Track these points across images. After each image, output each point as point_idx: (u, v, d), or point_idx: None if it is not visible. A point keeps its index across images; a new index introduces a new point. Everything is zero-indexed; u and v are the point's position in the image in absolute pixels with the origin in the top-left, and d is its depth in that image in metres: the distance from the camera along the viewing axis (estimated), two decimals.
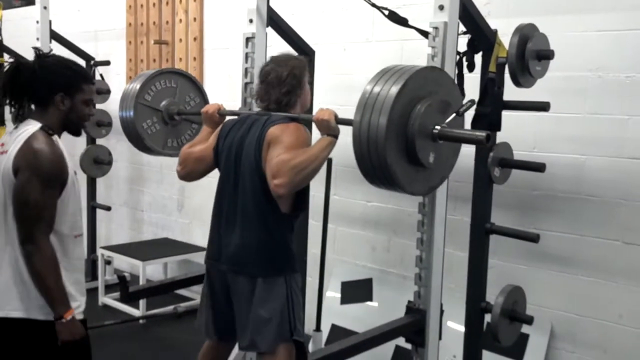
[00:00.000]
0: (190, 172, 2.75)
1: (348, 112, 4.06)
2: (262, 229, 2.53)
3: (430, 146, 2.02)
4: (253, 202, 2.53)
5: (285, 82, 2.57)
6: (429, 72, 2.09)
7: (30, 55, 2.35)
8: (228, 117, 2.84)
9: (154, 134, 3.15)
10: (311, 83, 3.46)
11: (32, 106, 2.32)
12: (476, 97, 2.70)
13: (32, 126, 2.22)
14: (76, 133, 2.39)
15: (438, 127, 2.02)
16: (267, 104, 2.62)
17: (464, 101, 2.13)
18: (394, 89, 1.92)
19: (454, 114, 2.07)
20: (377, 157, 1.94)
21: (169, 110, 3.19)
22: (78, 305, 2.27)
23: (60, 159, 2.19)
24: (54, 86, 2.24)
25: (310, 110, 3.49)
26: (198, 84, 3.33)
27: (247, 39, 3.21)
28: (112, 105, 5.06)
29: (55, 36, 4.53)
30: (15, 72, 2.25)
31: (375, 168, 1.98)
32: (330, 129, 2.41)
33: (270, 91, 2.59)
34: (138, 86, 3.12)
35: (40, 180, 2.13)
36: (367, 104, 1.96)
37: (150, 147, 3.15)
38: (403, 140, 1.96)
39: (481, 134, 1.98)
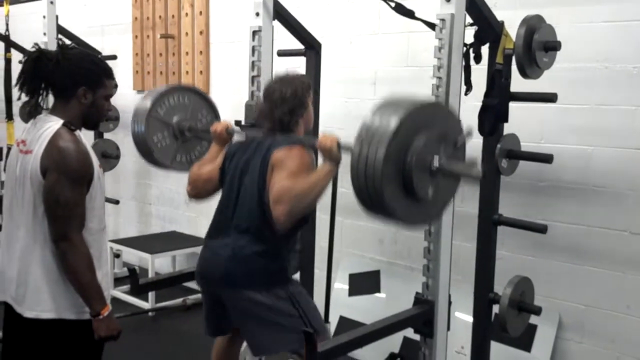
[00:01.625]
0: (200, 193, 2.80)
1: (354, 105, 4.08)
2: (257, 246, 2.55)
3: (429, 180, 2.01)
4: (250, 221, 2.56)
5: (288, 102, 2.62)
6: (430, 106, 2.09)
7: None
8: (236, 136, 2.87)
9: (164, 148, 3.16)
10: (313, 78, 3.48)
11: (47, 99, 2.32)
12: (483, 89, 2.71)
13: (54, 123, 2.22)
14: (94, 127, 2.41)
15: (436, 161, 2.01)
16: (271, 124, 2.66)
17: (464, 127, 2.12)
18: (393, 122, 1.91)
19: (452, 147, 2.07)
20: (374, 187, 1.93)
21: (180, 125, 3.19)
22: (108, 295, 2.30)
23: (86, 156, 2.20)
24: (78, 79, 2.23)
25: (316, 118, 3.50)
26: (211, 101, 3.34)
27: (254, 32, 3.22)
28: (119, 100, 5.06)
29: (62, 31, 4.54)
30: (37, 62, 2.23)
31: (372, 197, 1.97)
32: (333, 156, 2.42)
33: (274, 110, 2.63)
34: (152, 100, 3.13)
35: (69, 179, 2.14)
36: (367, 135, 1.96)
37: (158, 161, 3.16)
38: (401, 173, 1.96)
39: (478, 171, 1.98)
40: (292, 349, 2.62)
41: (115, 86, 5.26)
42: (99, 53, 5.05)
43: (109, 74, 2.35)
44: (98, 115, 2.34)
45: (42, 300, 2.20)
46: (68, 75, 2.23)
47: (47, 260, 2.20)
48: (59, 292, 2.20)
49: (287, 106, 2.61)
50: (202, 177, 2.76)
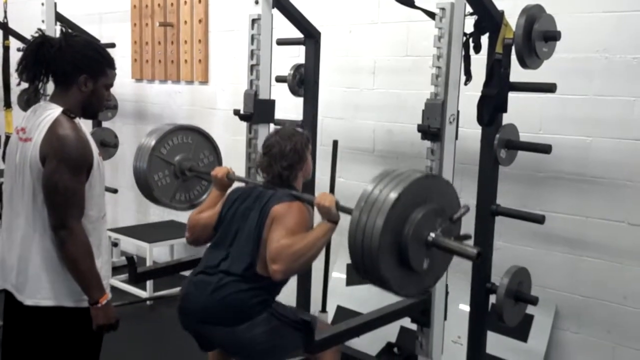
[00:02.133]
0: (198, 239, 2.83)
1: (353, 95, 4.07)
2: (245, 289, 2.55)
3: (424, 253, 2.04)
4: (241, 269, 2.56)
5: (287, 157, 2.67)
6: (427, 180, 2.11)
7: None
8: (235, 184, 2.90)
9: (164, 186, 3.18)
10: (312, 67, 3.48)
11: (46, 87, 2.32)
12: (483, 79, 2.70)
13: (53, 110, 2.21)
14: (93, 116, 2.41)
15: (432, 235, 2.03)
16: (270, 177, 2.71)
17: (461, 206, 2.15)
18: (393, 194, 1.95)
19: (448, 221, 2.09)
20: (371, 260, 1.96)
21: (181, 165, 3.21)
22: (107, 283, 2.30)
23: (85, 144, 2.20)
24: (80, 66, 2.23)
25: (315, 112, 3.50)
26: (214, 143, 3.36)
27: (253, 21, 3.21)
28: (117, 89, 5.05)
29: (60, 18, 4.52)
30: (40, 47, 2.22)
31: (368, 270, 2.00)
32: (331, 215, 2.47)
33: (273, 164, 2.68)
34: (156, 139, 3.15)
35: (68, 167, 2.14)
36: (367, 203, 1.99)
37: (158, 199, 3.18)
38: (397, 244, 1.99)
39: (473, 250, 1.99)
40: (291, 357, 2.64)
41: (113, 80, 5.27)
42: (98, 41, 5.02)
43: (111, 63, 2.34)
44: (97, 104, 2.33)
45: (41, 288, 2.20)
46: (70, 62, 2.22)
47: (46, 248, 2.20)
48: (58, 279, 2.20)
49: (286, 161, 2.67)
50: (201, 223, 2.79)
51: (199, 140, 3.30)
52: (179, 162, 3.20)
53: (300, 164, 2.71)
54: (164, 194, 3.18)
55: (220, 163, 3.32)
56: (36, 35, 2.27)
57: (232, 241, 2.64)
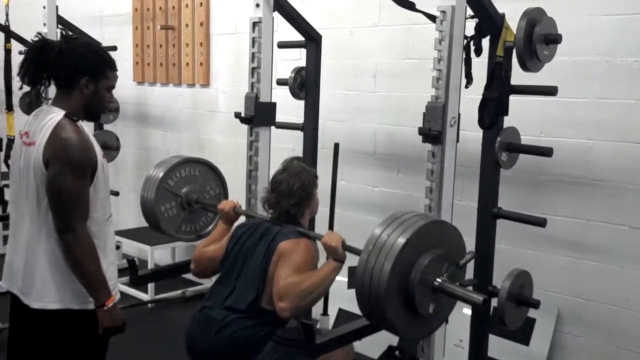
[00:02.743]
0: (203, 271, 2.84)
1: (354, 98, 4.07)
2: (248, 323, 2.55)
3: (430, 297, 2.06)
4: (246, 305, 2.56)
5: (295, 194, 2.68)
6: (435, 225, 2.13)
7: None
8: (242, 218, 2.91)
9: (170, 217, 3.21)
10: (313, 70, 3.48)
11: (48, 88, 2.32)
12: (484, 82, 2.70)
13: (56, 114, 2.21)
14: (95, 118, 2.41)
15: (439, 280, 2.05)
16: (277, 214, 2.73)
17: (466, 252, 2.17)
18: (402, 240, 1.97)
19: (454, 267, 2.10)
20: (377, 303, 1.98)
21: (188, 197, 3.23)
22: (115, 285, 2.31)
23: (88, 147, 2.20)
24: (81, 69, 2.23)
25: (316, 115, 3.49)
26: (221, 176, 3.39)
27: (254, 24, 3.21)
28: (119, 91, 5.04)
29: (61, 21, 4.52)
30: (40, 51, 2.22)
31: (374, 313, 2.03)
32: (338, 254, 2.49)
33: (281, 201, 2.69)
34: (164, 171, 3.19)
35: (71, 170, 2.14)
36: (375, 247, 2.01)
37: (164, 230, 3.21)
38: (404, 290, 2.01)
39: (479, 297, 2.01)
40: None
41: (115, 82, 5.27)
42: (99, 44, 5.03)
43: (112, 65, 2.34)
44: (100, 107, 2.33)
45: (48, 291, 2.21)
46: (71, 65, 2.22)
47: (52, 251, 2.20)
48: (64, 282, 2.20)
49: (293, 199, 2.68)
50: (206, 256, 2.80)
51: (206, 172, 3.33)
52: (186, 194, 3.23)
53: (307, 201, 2.73)
54: (169, 225, 3.22)
55: (226, 196, 3.34)
56: (36, 39, 2.27)
57: (237, 276, 2.64)
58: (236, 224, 2.89)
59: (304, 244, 2.59)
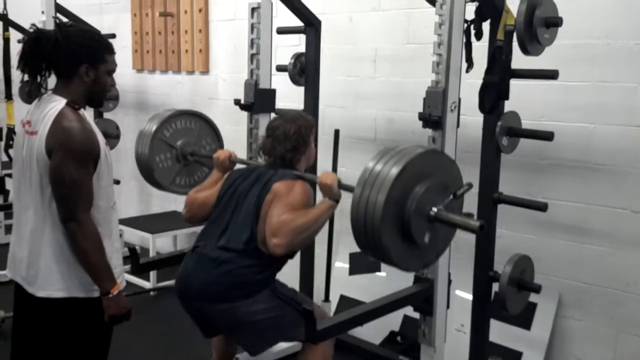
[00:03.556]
0: (194, 216, 2.83)
1: (354, 83, 4.05)
2: (244, 264, 2.55)
3: (426, 227, 2.05)
4: (240, 243, 2.56)
5: (291, 139, 2.67)
6: (431, 155, 2.12)
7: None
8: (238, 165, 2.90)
9: (165, 169, 3.20)
10: (312, 55, 3.46)
11: (49, 78, 2.30)
12: (484, 66, 2.69)
13: (57, 102, 2.19)
14: (99, 104, 2.40)
15: (435, 210, 2.04)
16: (272, 159, 2.71)
17: (464, 183, 2.15)
18: (395, 170, 1.96)
19: (451, 196, 2.08)
20: (373, 233, 1.98)
21: (183, 149, 3.23)
22: (120, 272, 2.31)
23: (91, 135, 2.19)
24: (79, 57, 2.21)
25: (316, 103, 3.49)
26: (217, 130, 3.39)
27: (253, 10, 3.20)
28: (118, 79, 5.03)
29: (60, 9, 4.50)
30: (36, 43, 2.20)
31: (369, 240, 2.02)
32: (333, 193, 2.48)
33: (277, 146, 2.68)
34: (159, 122, 3.17)
35: (74, 159, 2.13)
36: (368, 180, 2.00)
37: (158, 181, 3.21)
38: (399, 220, 2.00)
39: (475, 223, 2.00)
40: (289, 339, 2.64)
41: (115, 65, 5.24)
42: (98, 32, 5.01)
43: (110, 49, 2.32)
44: (102, 92, 2.32)
45: (53, 279, 2.21)
46: (68, 54, 2.20)
47: (57, 240, 2.20)
48: (70, 271, 2.20)
49: (290, 143, 2.67)
50: (198, 201, 2.79)
51: (202, 126, 3.31)
52: (181, 146, 3.22)
53: (303, 147, 2.71)
54: (164, 177, 3.20)
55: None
56: (31, 30, 2.25)
57: (230, 216, 2.63)
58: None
59: (299, 185, 2.58)
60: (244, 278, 2.54)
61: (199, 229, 5.02)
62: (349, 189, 2.29)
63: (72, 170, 2.12)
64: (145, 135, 3.15)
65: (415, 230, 2.00)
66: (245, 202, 2.62)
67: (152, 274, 4.71)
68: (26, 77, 2.27)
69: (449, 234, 2.20)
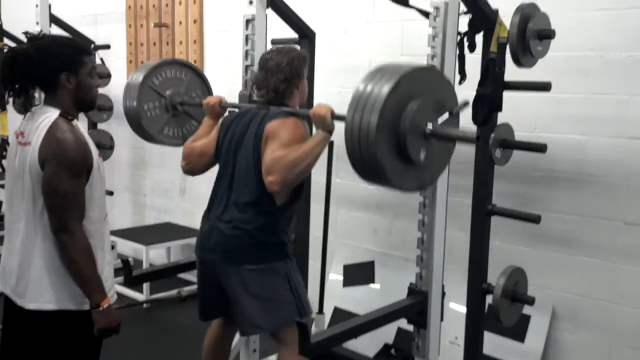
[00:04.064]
0: (194, 167, 2.80)
1: (349, 95, 4.05)
2: (257, 220, 2.56)
3: (422, 144, 2.02)
4: (248, 195, 2.56)
5: (284, 70, 2.62)
6: (423, 72, 2.08)
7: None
8: (229, 110, 2.85)
9: (153, 117, 3.17)
10: (310, 66, 3.46)
11: (35, 92, 2.30)
12: (477, 78, 2.69)
13: (50, 113, 2.19)
14: (90, 107, 2.37)
15: (430, 126, 2.02)
16: (265, 91, 2.66)
17: (459, 101, 2.12)
18: (386, 88, 1.91)
19: (447, 113, 2.06)
20: (368, 153, 1.95)
21: (172, 99, 3.20)
22: (111, 285, 2.30)
23: (84, 146, 2.18)
24: (56, 67, 2.20)
25: (310, 104, 3.48)
26: (207, 83, 3.35)
27: (247, 21, 3.19)
28: (113, 90, 5.05)
29: (54, 20, 4.50)
30: (12, 61, 2.20)
31: (365, 162, 1.99)
32: (326, 124, 2.44)
33: (269, 78, 2.63)
34: (149, 68, 3.14)
35: (67, 170, 2.12)
36: (359, 103, 1.97)
37: (146, 129, 3.16)
38: (394, 137, 1.97)
39: (472, 133, 1.98)
40: (283, 326, 2.61)
41: (109, 75, 5.25)
42: (92, 42, 5.02)
43: (86, 50, 2.30)
44: (89, 95, 2.30)
45: (43, 291, 2.19)
46: (45, 66, 2.19)
47: (48, 251, 2.18)
48: (60, 283, 2.19)
49: (282, 74, 2.62)
50: (196, 151, 2.76)
51: (192, 78, 3.29)
52: (170, 95, 3.20)
53: (296, 79, 2.66)
54: (152, 125, 3.17)
55: None
56: (5, 50, 2.25)
57: (232, 171, 2.62)
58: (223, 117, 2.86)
59: (291, 120, 2.55)
60: (256, 239, 2.54)
61: (193, 240, 5.01)
62: (342, 118, 2.20)
63: (64, 180, 2.12)
64: (135, 80, 3.12)
65: (411, 147, 1.96)
66: (243, 149, 2.60)
67: (145, 286, 4.69)
68: (10, 97, 2.27)
69: (445, 154, 2.17)
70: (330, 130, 2.45)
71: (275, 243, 2.60)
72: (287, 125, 2.51)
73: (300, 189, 2.62)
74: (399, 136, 1.96)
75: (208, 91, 3.34)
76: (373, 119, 1.90)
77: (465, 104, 2.09)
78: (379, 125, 1.89)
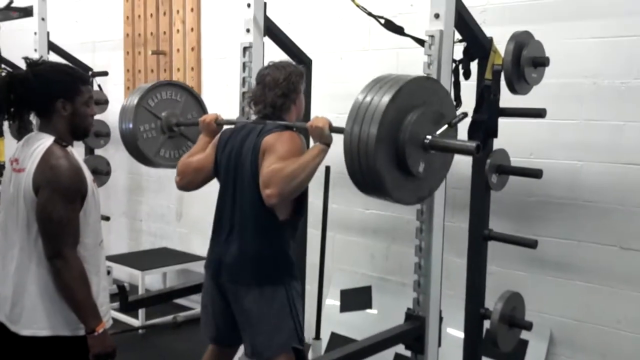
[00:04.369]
0: (189, 183, 2.78)
1: (345, 121, 4.07)
2: (261, 238, 2.56)
3: (421, 156, 2.01)
4: (251, 212, 2.56)
5: (281, 85, 2.63)
6: (422, 82, 2.08)
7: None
8: (225, 127, 2.86)
9: (149, 139, 3.18)
10: (307, 93, 3.49)
11: (32, 117, 2.32)
12: (473, 105, 2.72)
13: (45, 140, 2.20)
14: (84, 136, 2.37)
15: (429, 137, 2.02)
16: (262, 106, 2.67)
17: (458, 112, 2.13)
18: (385, 99, 1.91)
19: (446, 125, 2.07)
20: (367, 164, 1.94)
21: (168, 120, 3.21)
22: (106, 310, 2.28)
23: (78, 172, 2.19)
24: (53, 93, 2.21)
25: (306, 119, 3.50)
26: (202, 104, 3.38)
27: (245, 49, 3.22)
28: (110, 116, 5.07)
29: (53, 47, 4.54)
30: (10, 86, 2.21)
31: (365, 175, 1.98)
32: (324, 137, 2.45)
33: (266, 93, 2.64)
34: (144, 90, 3.17)
35: (61, 196, 2.13)
36: (358, 114, 1.96)
37: (142, 151, 3.17)
38: (393, 149, 1.96)
39: (471, 144, 1.98)
40: (284, 351, 2.60)
41: (106, 102, 5.27)
42: (90, 69, 5.05)
43: (83, 79, 2.32)
44: (84, 124, 2.31)
45: (38, 318, 2.18)
46: (42, 92, 2.21)
47: (42, 277, 2.18)
48: (55, 309, 2.18)
49: (279, 89, 2.63)
50: (192, 166, 2.76)
51: (188, 99, 3.31)
52: (165, 117, 3.21)
53: (293, 94, 2.67)
54: (148, 147, 3.19)
55: None
56: (3, 74, 2.27)
57: (233, 191, 2.62)
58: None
59: (288, 134, 2.54)
60: (263, 256, 2.55)
61: (189, 265, 5.00)
62: (340, 131, 2.20)
63: (59, 207, 2.12)
64: (131, 102, 3.13)
65: (410, 159, 1.95)
66: (242, 163, 2.59)
67: (141, 312, 4.66)
68: (6, 121, 2.28)
69: (443, 167, 2.15)
70: (327, 143, 2.46)
71: (282, 262, 2.59)
72: (283, 138, 2.52)
73: (301, 204, 2.63)
74: (398, 147, 1.96)
75: (204, 112, 3.36)
76: (372, 130, 1.90)
77: (464, 115, 2.09)
78: (378, 137, 1.89)
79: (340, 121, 3.63)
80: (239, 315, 2.62)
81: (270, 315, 2.55)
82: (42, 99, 2.22)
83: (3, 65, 5.05)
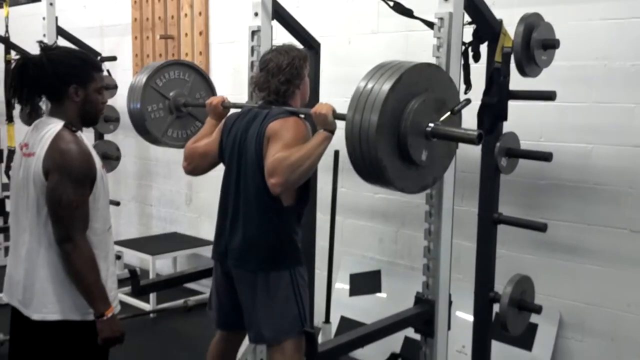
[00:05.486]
0: (196, 167, 2.79)
1: None
2: (266, 223, 2.56)
3: (423, 144, 1.99)
4: (256, 197, 2.56)
5: (284, 71, 2.60)
6: (425, 69, 2.04)
7: (36, 51, 2.33)
8: (232, 110, 2.86)
9: (157, 119, 3.19)
10: (312, 77, 3.48)
11: (43, 102, 2.33)
12: (483, 87, 2.70)
13: (54, 124, 2.21)
14: (93, 122, 2.39)
15: (431, 125, 1.99)
16: (266, 93, 2.65)
17: (464, 97, 2.11)
18: (386, 86, 1.88)
19: (448, 112, 2.04)
20: (369, 153, 1.92)
21: (176, 100, 3.21)
22: (115, 296, 2.31)
23: (88, 157, 2.20)
24: (66, 78, 2.22)
25: (311, 104, 3.49)
26: (211, 84, 3.36)
27: (253, 32, 3.22)
28: (119, 101, 5.07)
29: (61, 32, 4.54)
30: (23, 69, 2.22)
31: (367, 163, 1.96)
32: (327, 123, 2.42)
33: (270, 80, 2.62)
34: (152, 69, 3.16)
35: (71, 180, 2.14)
36: (359, 102, 1.94)
37: (150, 131, 3.17)
38: (395, 137, 1.94)
39: (472, 132, 1.95)
40: (289, 337, 2.61)
41: (115, 87, 5.28)
42: (99, 54, 5.05)
43: (96, 66, 2.33)
44: (94, 111, 2.32)
45: (48, 302, 2.20)
46: (56, 77, 2.22)
47: (52, 262, 2.20)
48: (65, 293, 2.20)
49: (283, 76, 2.60)
50: (198, 151, 2.76)
51: (196, 79, 3.30)
52: (173, 96, 3.21)
53: (297, 80, 2.64)
54: (155, 127, 3.19)
55: None
56: (17, 58, 2.27)
57: (237, 176, 2.62)
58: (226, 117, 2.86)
59: (293, 120, 2.53)
60: (268, 241, 2.55)
61: (199, 250, 5.03)
62: (344, 118, 2.17)
63: (68, 191, 2.13)
64: (139, 82, 3.13)
65: (412, 147, 1.93)
66: (247, 148, 2.59)
67: (152, 296, 4.70)
68: (17, 104, 2.29)
69: (447, 155, 2.12)
70: (331, 130, 2.43)
71: (287, 248, 2.59)
72: (288, 124, 2.50)
73: (308, 190, 2.63)
74: (400, 136, 1.93)
75: (212, 92, 3.35)
76: (373, 118, 1.88)
77: (467, 102, 2.07)
78: (379, 125, 1.87)
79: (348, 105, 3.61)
80: (244, 301, 2.64)
81: (275, 301, 2.56)
82: (55, 83, 2.23)
83: (12, 52, 5.06)
